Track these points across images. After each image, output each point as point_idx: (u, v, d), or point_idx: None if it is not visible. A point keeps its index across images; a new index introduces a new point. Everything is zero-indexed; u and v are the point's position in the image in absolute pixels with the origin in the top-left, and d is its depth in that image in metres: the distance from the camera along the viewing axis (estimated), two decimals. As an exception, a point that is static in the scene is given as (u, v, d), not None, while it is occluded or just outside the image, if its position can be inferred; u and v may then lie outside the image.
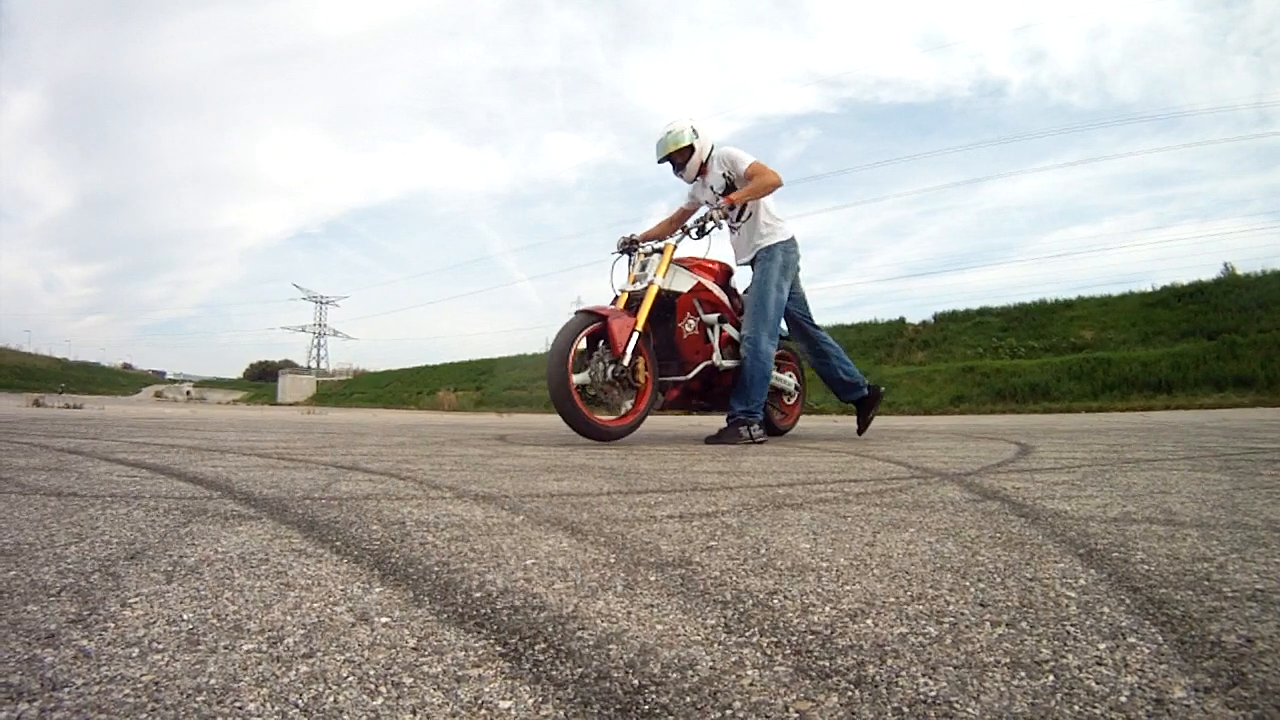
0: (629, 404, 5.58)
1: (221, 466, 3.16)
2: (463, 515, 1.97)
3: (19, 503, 2.00)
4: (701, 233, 5.87)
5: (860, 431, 6.85)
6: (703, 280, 6.08)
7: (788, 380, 6.97)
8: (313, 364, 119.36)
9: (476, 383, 52.15)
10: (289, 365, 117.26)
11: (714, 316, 6.05)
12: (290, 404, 61.72)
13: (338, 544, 1.57)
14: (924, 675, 0.88)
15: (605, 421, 5.38)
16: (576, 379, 5.22)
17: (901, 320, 38.53)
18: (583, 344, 5.38)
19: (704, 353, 5.97)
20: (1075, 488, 2.61)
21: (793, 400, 7.16)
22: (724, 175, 6.08)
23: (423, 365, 65.88)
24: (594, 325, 5.33)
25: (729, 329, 6.15)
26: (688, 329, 5.95)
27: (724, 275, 6.44)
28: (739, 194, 5.74)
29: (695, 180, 6.35)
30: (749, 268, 6.27)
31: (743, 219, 6.14)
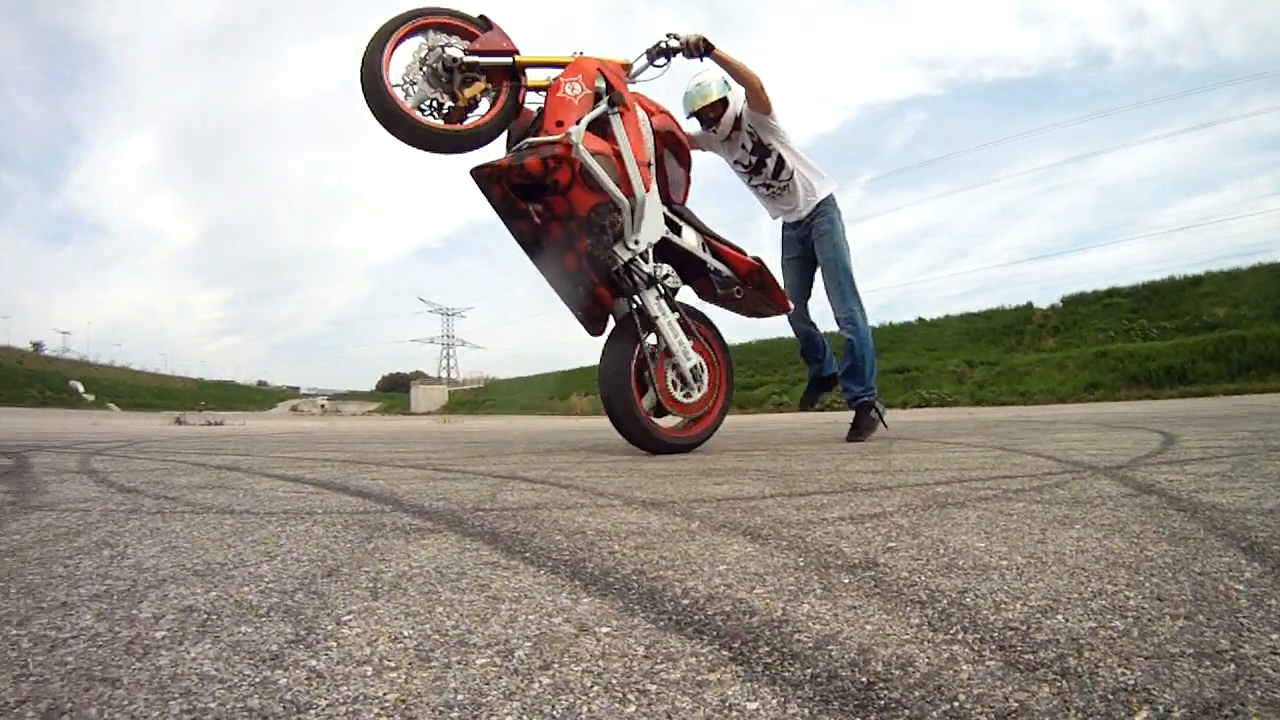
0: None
1: (382, 479, 3.28)
2: (639, 523, 2.04)
3: (196, 522, 2.10)
4: (665, 58, 5.04)
5: (804, 405, 6.77)
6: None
7: (687, 360, 4.79)
8: (443, 374, 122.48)
9: (609, 388, 52.99)
10: (420, 376, 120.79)
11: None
12: (424, 414, 63.24)
13: (528, 555, 1.62)
14: (1120, 666, 0.94)
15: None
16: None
17: (1029, 305, 37.85)
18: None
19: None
20: (1227, 479, 2.67)
21: (693, 396, 4.89)
22: (749, 133, 5.82)
23: (552, 370, 66.78)
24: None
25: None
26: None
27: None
28: (729, 54, 5.12)
29: (725, 140, 5.92)
30: (792, 230, 6.19)
31: (781, 177, 5.92)
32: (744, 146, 5.87)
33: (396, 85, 4.22)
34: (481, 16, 4.58)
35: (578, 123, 4.25)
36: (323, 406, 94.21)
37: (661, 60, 5.03)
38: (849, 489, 2.68)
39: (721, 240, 5.18)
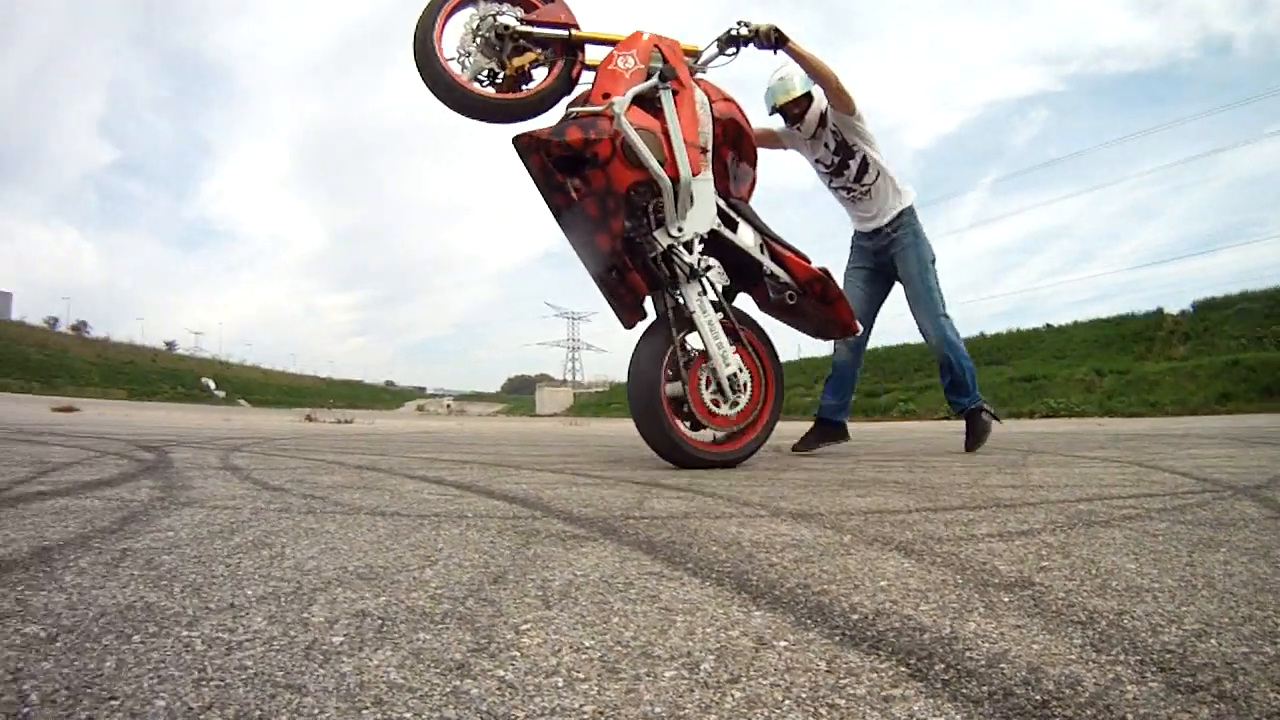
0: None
1: (525, 484, 3.31)
2: (792, 535, 2.05)
3: (348, 524, 2.13)
4: (735, 47, 4.66)
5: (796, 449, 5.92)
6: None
7: (725, 365, 4.25)
8: (568, 376, 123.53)
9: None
10: (545, 378, 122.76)
11: None
12: (549, 415, 64.00)
13: (689, 566, 1.62)
14: (1273, 690, 0.95)
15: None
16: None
17: (1160, 311, 36.61)
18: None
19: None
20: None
21: (736, 408, 4.34)
22: (833, 132, 5.57)
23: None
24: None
25: None
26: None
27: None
28: (805, 49, 4.81)
29: (809, 139, 5.67)
30: (867, 240, 5.91)
31: (864, 181, 5.68)
32: (827, 146, 5.67)
33: (451, 59, 4.19)
34: None
35: (624, 95, 4.08)
36: (448, 407, 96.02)
37: (731, 49, 4.68)
38: (992, 504, 2.70)
39: (783, 243, 4.74)
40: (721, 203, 4.48)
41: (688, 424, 4.30)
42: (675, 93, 4.27)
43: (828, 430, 5.97)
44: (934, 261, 5.76)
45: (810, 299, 4.72)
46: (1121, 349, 33.04)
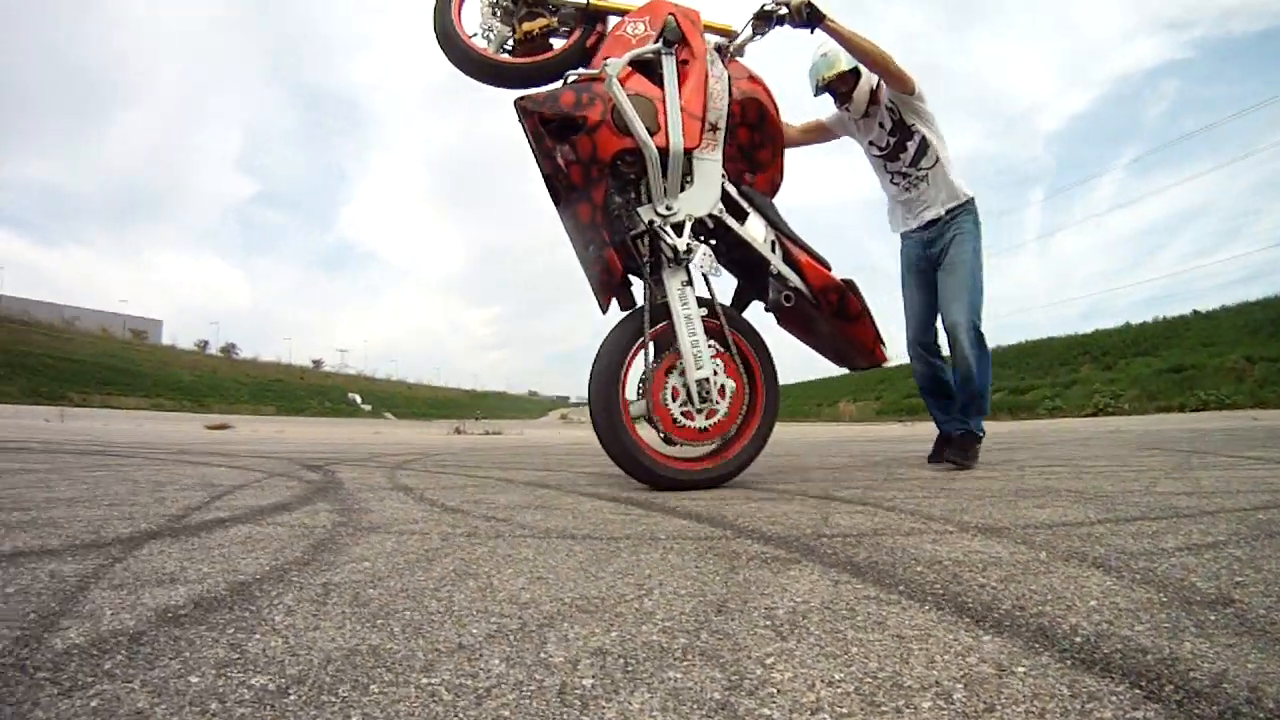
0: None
1: (702, 500, 3.32)
2: (986, 552, 2.05)
3: (545, 549, 2.14)
4: (767, 24, 4.32)
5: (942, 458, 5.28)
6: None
7: (695, 368, 3.77)
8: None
9: (875, 391, 52.47)
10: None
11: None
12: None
13: (901, 588, 1.62)
14: None
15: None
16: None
17: None
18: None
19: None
20: None
21: (710, 419, 3.85)
22: (889, 110, 5.07)
23: (818, 378, 66.75)
24: None
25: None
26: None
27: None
28: (845, 27, 4.40)
29: (845, 112, 5.25)
30: (922, 232, 5.25)
31: (922, 165, 5.12)
32: (881, 125, 5.19)
33: (475, 35, 4.21)
34: None
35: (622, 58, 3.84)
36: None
37: (765, 27, 4.32)
38: (1171, 514, 2.67)
39: (801, 244, 4.23)
40: (732, 188, 4.12)
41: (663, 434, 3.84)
42: (686, 62, 3.98)
43: (947, 442, 5.39)
44: (983, 268, 5.14)
45: (824, 311, 4.23)
46: (1273, 334, 31.59)
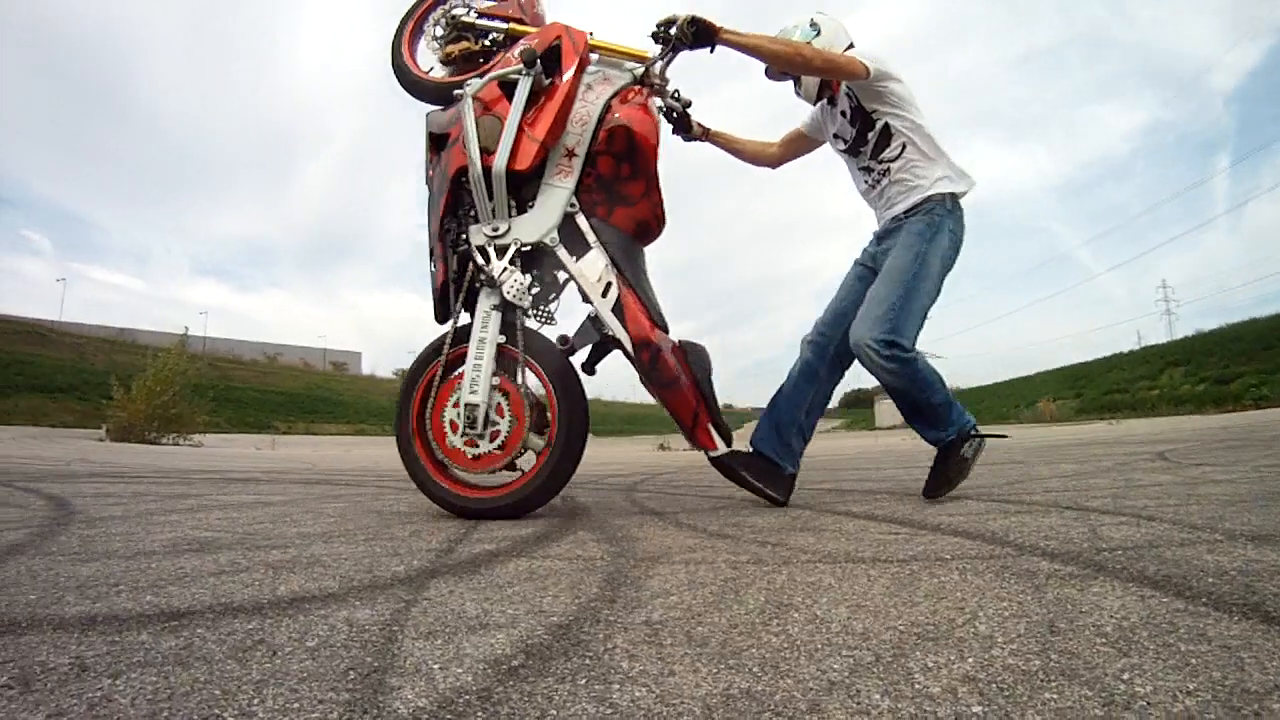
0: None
1: (959, 516, 3.33)
2: (1265, 560, 2.06)
3: (842, 574, 2.18)
4: (670, 46, 4.06)
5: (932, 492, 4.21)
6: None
7: (467, 392, 3.70)
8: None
9: (1074, 389, 50.70)
10: (882, 391, 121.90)
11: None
12: (888, 428, 63.37)
13: (1203, 600, 1.69)
14: None
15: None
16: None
17: None
18: None
19: None
20: None
21: (474, 449, 3.73)
22: (848, 95, 4.36)
23: (1015, 377, 64.93)
24: None
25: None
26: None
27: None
28: (746, 36, 3.98)
29: (821, 102, 4.60)
30: (880, 235, 4.44)
31: (883, 157, 4.32)
32: (843, 114, 4.46)
33: (431, 69, 4.64)
34: None
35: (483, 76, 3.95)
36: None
37: (668, 52, 4.10)
38: None
39: (638, 291, 3.87)
40: (583, 220, 3.92)
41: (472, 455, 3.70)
42: (548, 82, 3.93)
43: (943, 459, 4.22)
44: (937, 281, 4.16)
45: (638, 368, 3.84)
46: None
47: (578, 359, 3.92)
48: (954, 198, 4.20)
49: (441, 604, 1.90)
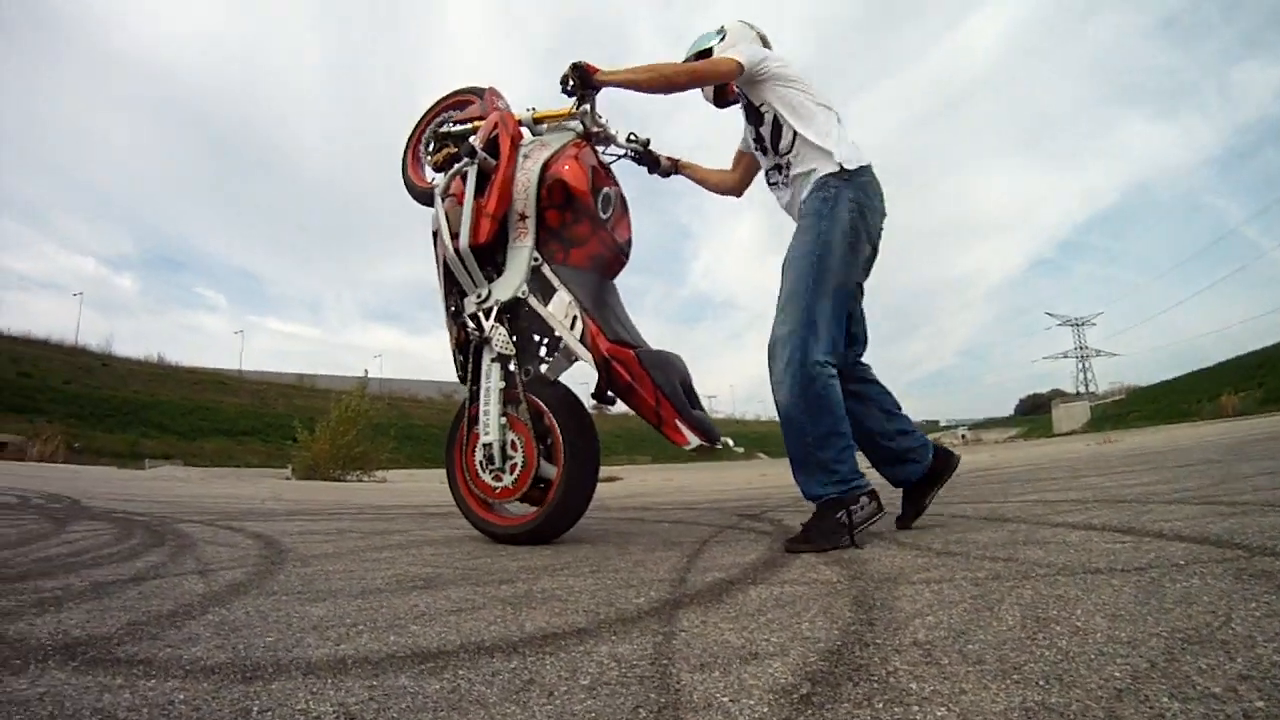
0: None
1: (1175, 521, 3.35)
2: None
3: (1089, 586, 2.20)
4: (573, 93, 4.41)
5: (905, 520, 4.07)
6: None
7: (485, 433, 4.23)
8: (1080, 389, 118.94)
9: (1256, 379, 48.06)
10: (1058, 394, 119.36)
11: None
12: (1066, 433, 61.51)
13: None
14: None
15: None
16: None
17: None
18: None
19: None
20: None
21: (500, 481, 4.23)
22: (741, 93, 4.28)
23: (1192, 370, 62.17)
24: None
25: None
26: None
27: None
28: (621, 72, 4.17)
29: (730, 108, 4.55)
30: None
31: (780, 149, 4.12)
32: (748, 118, 4.37)
33: (433, 179, 5.11)
34: (487, 88, 5.13)
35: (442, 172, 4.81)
36: (964, 438, 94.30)
37: (577, 103, 4.45)
38: None
39: (594, 314, 4.08)
40: (547, 269, 4.26)
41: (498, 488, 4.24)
42: (492, 167, 4.37)
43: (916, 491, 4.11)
44: (845, 256, 3.78)
45: (600, 382, 4.05)
46: None
47: (585, 390, 4.30)
48: (839, 174, 3.85)
49: (702, 635, 1.90)
